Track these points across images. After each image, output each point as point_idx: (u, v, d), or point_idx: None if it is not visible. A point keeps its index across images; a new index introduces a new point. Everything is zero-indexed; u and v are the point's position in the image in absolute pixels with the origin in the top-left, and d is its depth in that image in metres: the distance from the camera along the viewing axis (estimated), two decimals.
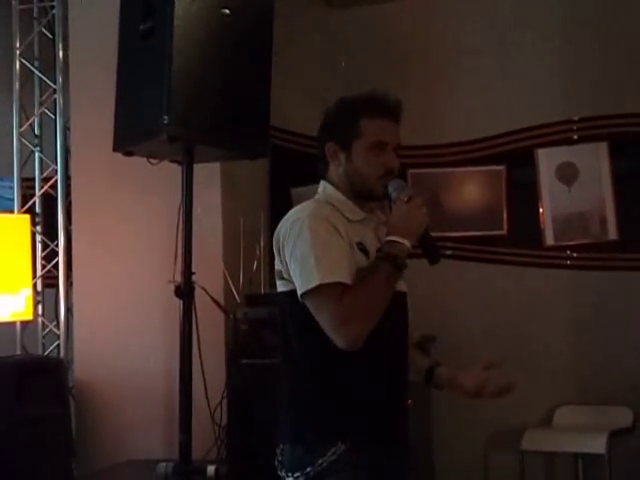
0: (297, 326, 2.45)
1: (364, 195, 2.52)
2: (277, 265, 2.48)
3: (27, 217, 4.82)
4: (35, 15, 5.09)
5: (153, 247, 4.36)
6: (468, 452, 5.04)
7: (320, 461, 2.38)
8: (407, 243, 2.39)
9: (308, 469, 2.39)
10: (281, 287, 2.48)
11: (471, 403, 5.14)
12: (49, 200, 4.98)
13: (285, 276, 2.45)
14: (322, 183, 2.58)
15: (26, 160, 5.07)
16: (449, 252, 5.14)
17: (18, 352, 4.85)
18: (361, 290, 2.34)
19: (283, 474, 2.45)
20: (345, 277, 2.34)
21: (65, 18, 4.77)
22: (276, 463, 2.48)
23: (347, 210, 2.50)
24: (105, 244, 4.51)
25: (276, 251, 2.48)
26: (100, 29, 4.38)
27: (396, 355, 2.51)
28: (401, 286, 2.51)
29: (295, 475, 2.41)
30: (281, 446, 2.47)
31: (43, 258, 4.99)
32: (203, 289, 3.94)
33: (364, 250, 2.43)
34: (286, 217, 2.48)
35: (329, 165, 2.57)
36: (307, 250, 2.36)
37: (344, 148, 2.52)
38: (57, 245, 4.86)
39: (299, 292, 2.37)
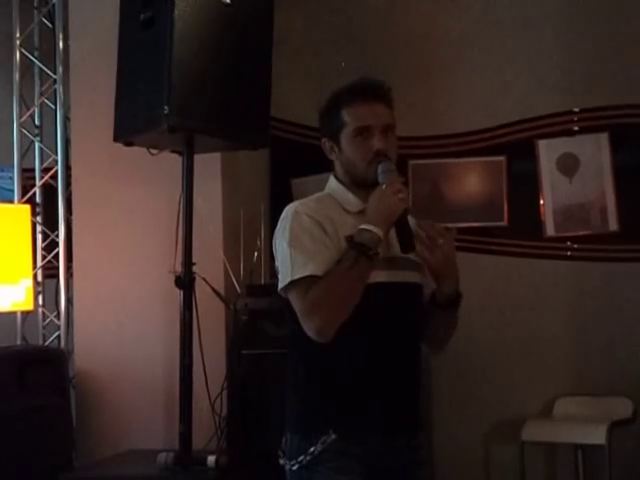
0: (287, 318, 2.52)
1: (362, 183, 2.53)
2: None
3: (27, 207, 4.82)
4: (35, 5, 5.08)
5: (153, 237, 4.35)
6: (468, 443, 5.04)
7: (312, 449, 2.42)
8: (376, 230, 2.39)
9: (301, 457, 2.44)
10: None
11: (471, 394, 5.17)
12: (49, 190, 4.98)
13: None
14: (330, 177, 2.64)
15: (26, 150, 5.06)
16: None
17: (18, 342, 4.86)
18: (325, 281, 2.38)
19: (283, 462, 2.50)
20: (316, 270, 2.39)
21: (65, 8, 4.76)
22: (279, 452, 2.52)
23: (346, 202, 2.55)
24: (105, 234, 4.50)
25: (273, 249, 2.56)
26: (100, 19, 4.38)
27: (388, 345, 2.48)
28: (401, 276, 2.51)
29: (291, 463, 2.47)
30: (285, 435, 2.53)
31: (43, 248, 4.99)
32: (204, 279, 3.95)
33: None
34: (282, 215, 2.55)
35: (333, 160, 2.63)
36: (285, 248, 2.45)
37: (335, 141, 2.56)
38: (57, 235, 4.86)
39: (279, 289, 2.47)
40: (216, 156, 4.31)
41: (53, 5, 4.96)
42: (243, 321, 4.17)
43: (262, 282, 4.42)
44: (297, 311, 2.42)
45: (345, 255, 2.38)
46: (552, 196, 5.07)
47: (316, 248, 2.42)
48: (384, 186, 2.44)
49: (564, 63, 5.07)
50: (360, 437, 2.44)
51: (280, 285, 2.46)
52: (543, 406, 4.97)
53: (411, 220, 2.49)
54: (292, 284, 2.41)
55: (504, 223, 5.16)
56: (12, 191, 5.02)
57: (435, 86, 5.24)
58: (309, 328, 2.39)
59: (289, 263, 2.42)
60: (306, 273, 2.39)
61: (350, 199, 2.55)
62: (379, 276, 2.44)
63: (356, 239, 2.39)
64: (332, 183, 2.61)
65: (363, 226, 2.40)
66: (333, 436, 2.41)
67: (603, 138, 4.99)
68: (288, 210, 2.52)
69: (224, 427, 4.15)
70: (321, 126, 2.63)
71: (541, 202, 5.08)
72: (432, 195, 5.25)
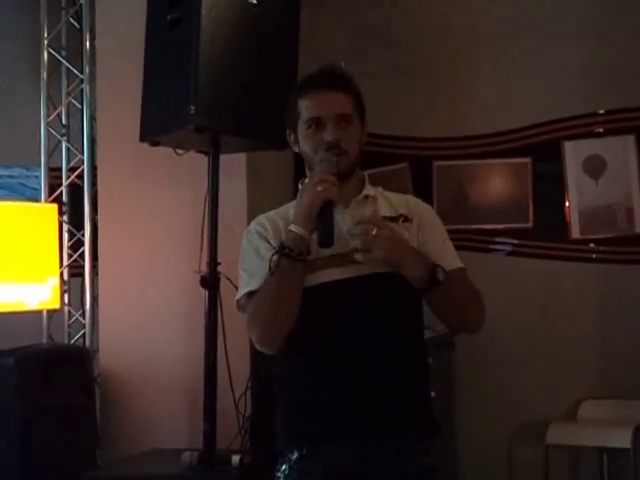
0: None
1: None
2: None
3: (54, 206, 4.84)
4: (63, 5, 5.12)
5: (179, 237, 4.36)
6: (492, 446, 5.03)
7: (283, 468, 2.37)
8: (296, 229, 2.25)
9: (278, 474, 2.40)
10: None
11: (496, 396, 5.15)
12: (76, 190, 5.00)
13: None
14: None
15: (53, 150, 5.09)
16: (474, 245, 5.13)
17: (44, 341, 4.89)
18: (258, 293, 2.31)
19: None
20: (254, 285, 2.33)
21: (92, 8, 4.77)
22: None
23: None
24: (131, 234, 4.52)
25: None
26: (127, 19, 4.39)
27: (361, 346, 2.29)
28: (367, 269, 2.28)
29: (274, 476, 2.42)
30: None
31: (69, 247, 5.01)
32: (228, 279, 3.94)
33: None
34: None
35: None
36: (239, 270, 2.43)
37: (294, 133, 2.44)
38: (83, 235, 4.89)
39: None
40: (241, 156, 4.31)
41: (80, 5, 4.98)
42: None
43: None
44: None
45: (270, 262, 2.26)
46: (578, 198, 5.05)
47: (259, 263, 2.33)
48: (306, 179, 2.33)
49: (590, 65, 5.05)
50: (325, 454, 2.30)
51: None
52: (568, 409, 4.95)
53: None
54: (237, 303, 2.41)
55: (529, 225, 5.15)
56: (39, 190, 5.05)
57: (461, 87, 5.22)
58: (253, 341, 2.35)
59: (240, 282, 2.41)
60: (246, 289, 2.36)
61: None
62: (330, 274, 2.30)
63: (283, 242, 2.28)
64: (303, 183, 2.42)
65: (290, 227, 2.28)
66: (295, 454, 2.33)
67: (629, 140, 4.97)
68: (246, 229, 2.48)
69: (248, 427, 4.15)
70: (285, 118, 2.48)
71: (567, 204, 5.06)
72: (457, 196, 5.24)
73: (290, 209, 2.41)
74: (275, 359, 2.44)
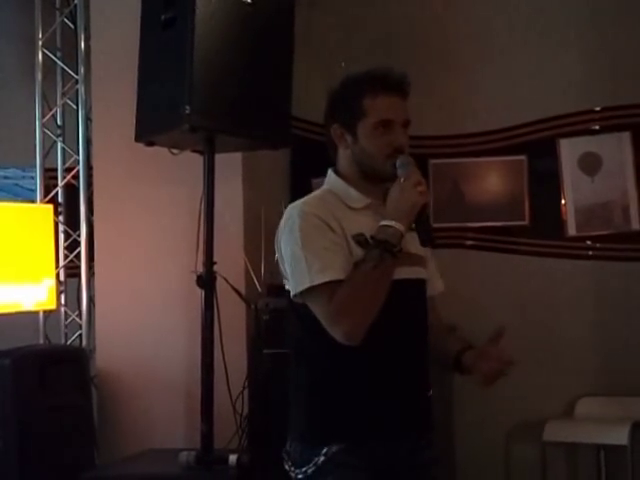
0: (293, 322, 2.48)
1: (374, 177, 2.45)
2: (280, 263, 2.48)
3: (50, 207, 4.84)
4: (57, 5, 5.11)
5: (175, 237, 4.36)
6: (489, 443, 5.03)
7: (315, 459, 2.38)
8: (397, 226, 2.31)
9: (305, 467, 2.40)
10: (285, 284, 2.49)
11: (492, 394, 5.14)
12: (71, 190, 4.99)
13: (284, 274, 2.46)
14: (329, 171, 2.55)
15: (49, 150, 5.08)
16: (470, 242, 5.13)
17: (41, 341, 4.89)
18: (349, 284, 2.30)
19: (288, 468, 2.46)
20: (336, 274, 2.31)
21: (87, 8, 4.77)
22: (283, 454, 2.49)
23: (348, 198, 2.46)
24: (127, 234, 4.52)
25: (276, 250, 2.48)
26: (122, 19, 4.39)
27: (403, 345, 2.41)
28: (414, 273, 2.45)
29: (296, 472, 2.43)
30: (289, 441, 2.48)
31: (65, 248, 5.01)
32: (224, 279, 3.95)
33: (362, 242, 2.36)
34: (284, 215, 2.46)
35: (337, 149, 2.52)
36: (297, 251, 2.36)
37: (349, 129, 2.46)
38: (79, 235, 4.88)
39: (292, 293, 2.39)
40: (237, 156, 4.31)
41: (75, 6, 4.97)
42: (264, 320, 4.17)
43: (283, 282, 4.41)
44: (321, 317, 2.33)
45: (368, 254, 2.30)
46: (574, 195, 5.05)
47: (331, 250, 2.34)
48: (402, 179, 2.37)
49: (586, 62, 5.05)
50: (364, 447, 2.38)
51: (295, 289, 2.38)
52: (565, 406, 4.95)
53: None
54: (312, 289, 2.33)
55: (525, 222, 5.15)
56: (34, 191, 5.05)
57: (456, 85, 5.23)
58: (337, 333, 2.30)
59: (305, 267, 2.34)
60: (326, 279, 2.31)
61: (352, 195, 2.46)
62: (398, 273, 2.37)
63: (379, 236, 2.31)
64: (331, 178, 2.52)
65: (384, 222, 2.32)
66: (335, 447, 2.36)
67: (625, 137, 4.97)
68: (292, 210, 2.43)
69: (245, 426, 4.16)
70: (332, 111, 2.52)
71: (562, 201, 5.06)
72: (453, 194, 5.25)
73: (330, 204, 2.43)
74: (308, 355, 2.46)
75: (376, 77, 2.47)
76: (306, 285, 2.33)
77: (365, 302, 2.30)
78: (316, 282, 2.32)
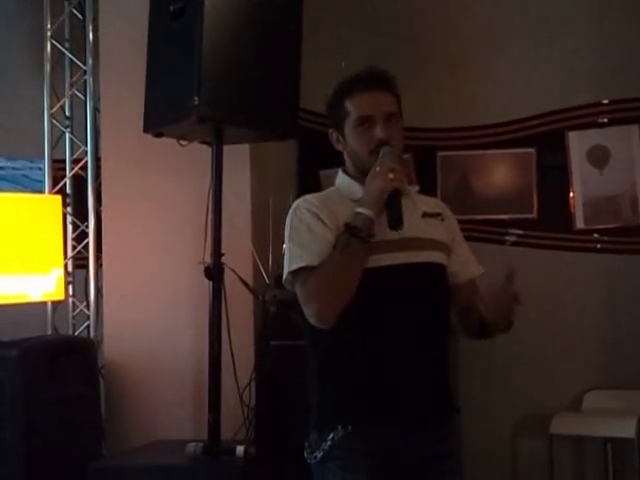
0: (301, 312, 2.52)
1: (366, 173, 2.50)
2: None
3: (58, 198, 4.85)
4: None
5: (182, 228, 4.37)
6: (496, 435, 5.03)
7: (322, 445, 2.44)
8: (366, 212, 2.40)
9: (315, 453, 2.47)
10: None
11: (500, 387, 5.14)
12: (79, 181, 5.00)
13: None
14: (338, 171, 2.65)
15: (57, 141, 5.09)
16: (477, 235, 5.13)
17: (49, 332, 4.90)
18: (320, 268, 2.40)
19: (305, 455, 2.52)
20: (312, 260, 2.41)
21: None
22: (305, 444, 2.53)
23: (352, 193, 2.55)
24: (135, 225, 4.52)
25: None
26: (130, 10, 4.39)
27: (409, 329, 2.44)
28: (423, 257, 2.49)
29: (309, 457, 2.50)
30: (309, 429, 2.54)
31: (74, 239, 5.02)
32: (232, 270, 3.95)
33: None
34: None
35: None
36: (287, 244, 2.50)
37: (340, 132, 2.57)
38: (87, 226, 4.89)
39: (283, 282, 2.52)
40: (245, 147, 4.31)
41: None
42: (272, 312, 4.18)
43: None
44: (299, 301, 2.45)
45: (338, 240, 2.40)
46: (582, 188, 5.04)
47: (312, 239, 2.45)
48: (377, 168, 2.44)
49: (594, 55, 5.04)
50: (370, 433, 2.41)
51: (283, 278, 2.51)
52: (572, 399, 4.95)
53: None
54: (292, 275, 2.46)
55: (533, 215, 5.14)
56: (42, 182, 5.05)
57: (465, 78, 5.21)
58: (309, 315, 2.42)
59: (288, 257, 2.48)
60: (302, 264, 2.43)
61: (355, 189, 2.55)
62: (388, 259, 2.44)
63: (350, 223, 2.40)
64: (339, 177, 2.63)
65: (357, 209, 2.41)
66: (341, 433, 2.41)
67: (634, 130, 4.96)
68: (292, 207, 2.55)
69: (252, 418, 4.16)
70: (328, 117, 2.64)
71: (571, 194, 5.05)
72: (461, 187, 5.24)
73: (332, 199, 2.54)
74: (316, 339, 2.51)
75: (356, 76, 2.59)
76: (287, 272, 2.47)
77: (332, 285, 2.39)
78: (293, 267, 2.44)
